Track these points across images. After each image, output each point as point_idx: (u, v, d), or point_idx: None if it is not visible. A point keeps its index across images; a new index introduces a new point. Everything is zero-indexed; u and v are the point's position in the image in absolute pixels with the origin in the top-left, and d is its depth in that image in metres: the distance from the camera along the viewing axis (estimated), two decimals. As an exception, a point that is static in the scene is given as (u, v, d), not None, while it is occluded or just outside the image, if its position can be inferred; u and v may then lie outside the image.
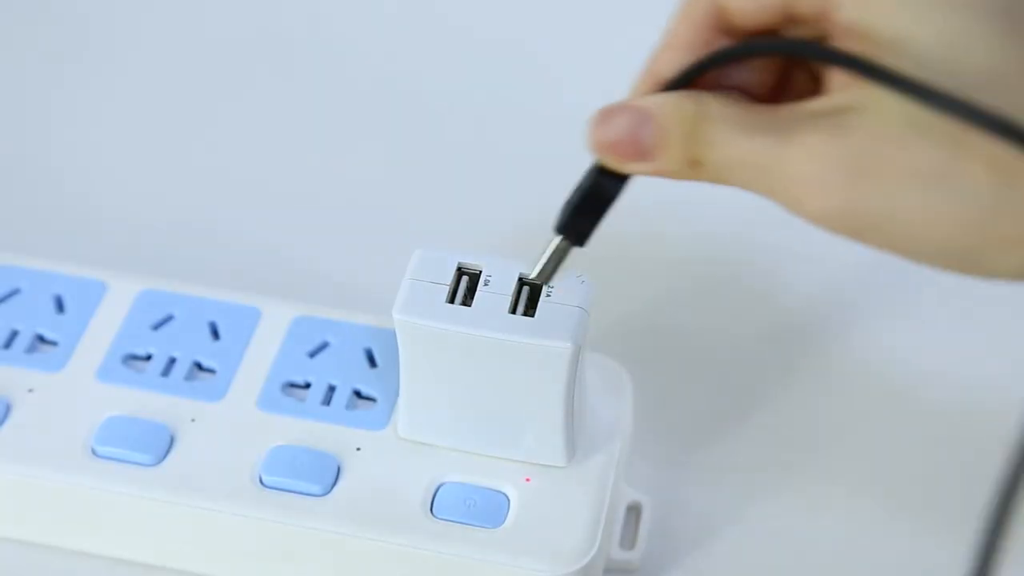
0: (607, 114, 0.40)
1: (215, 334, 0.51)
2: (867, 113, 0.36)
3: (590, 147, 0.40)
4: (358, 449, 0.47)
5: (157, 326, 0.51)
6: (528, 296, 0.45)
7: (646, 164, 0.39)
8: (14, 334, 0.51)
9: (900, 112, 0.36)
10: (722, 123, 0.38)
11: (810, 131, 0.37)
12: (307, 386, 0.49)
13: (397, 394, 0.48)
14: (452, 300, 0.45)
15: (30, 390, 0.49)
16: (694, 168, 0.39)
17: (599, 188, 0.41)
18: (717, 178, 0.39)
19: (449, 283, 0.45)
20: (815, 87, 0.40)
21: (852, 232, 0.37)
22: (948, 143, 0.36)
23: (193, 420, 0.48)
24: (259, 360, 0.50)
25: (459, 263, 0.45)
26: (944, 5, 0.36)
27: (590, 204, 0.41)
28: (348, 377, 0.49)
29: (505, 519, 0.46)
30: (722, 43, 0.40)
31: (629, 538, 0.50)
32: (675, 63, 0.40)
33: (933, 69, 0.36)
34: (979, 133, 0.35)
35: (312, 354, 0.50)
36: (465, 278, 0.45)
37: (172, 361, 0.50)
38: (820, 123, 0.37)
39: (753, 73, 0.41)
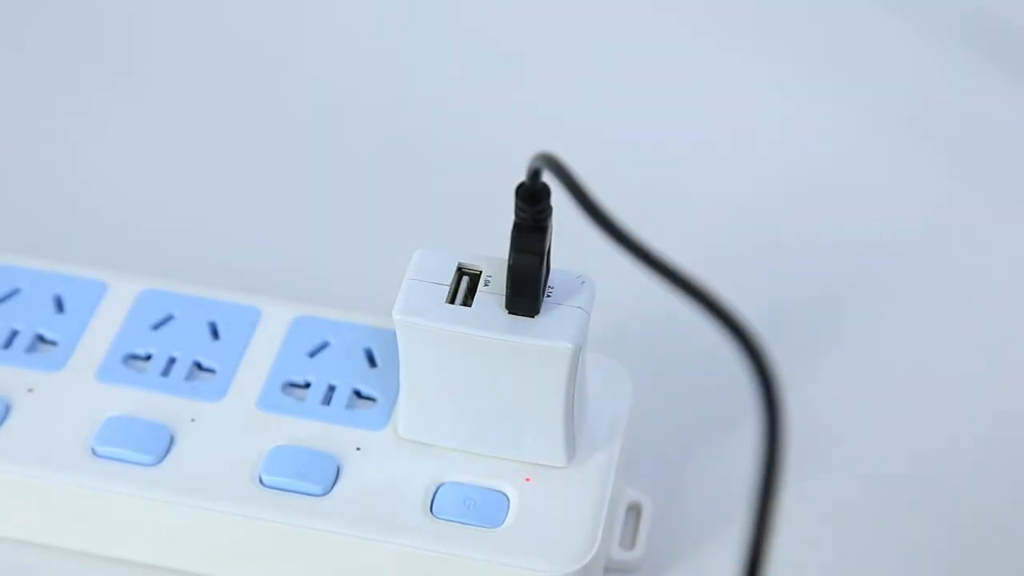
0: None
1: (215, 334, 0.51)
2: None
3: None
4: (358, 449, 0.47)
5: (157, 326, 0.51)
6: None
7: None
8: (14, 334, 0.51)
9: None
10: None
11: None
12: (307, 386, 0.49)
13: (397, 394, 0.48)
14: (452, 300, 0.45)
15: (30, 390, 0.49)
16: None
17: (520, 269, 0.43)
18: None
19: (449, 283, 0.45)
20: None
21: None
22: None
23: (193, 420, 0.48)
24: (259, 360, 0.50)
25: (459, 263, 0.45)
26: None
27: (520, 284, 0.43)
28: (348, 377, 0.49)
29: (505, 519, 0.46)
30: None
31: (629, 538, 0.50)
32: None
33: None
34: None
35: (312, 354, 0.50)
36: (465, 278, 0.45)
37: (172, 361, 0.50)
38: None
39: None
